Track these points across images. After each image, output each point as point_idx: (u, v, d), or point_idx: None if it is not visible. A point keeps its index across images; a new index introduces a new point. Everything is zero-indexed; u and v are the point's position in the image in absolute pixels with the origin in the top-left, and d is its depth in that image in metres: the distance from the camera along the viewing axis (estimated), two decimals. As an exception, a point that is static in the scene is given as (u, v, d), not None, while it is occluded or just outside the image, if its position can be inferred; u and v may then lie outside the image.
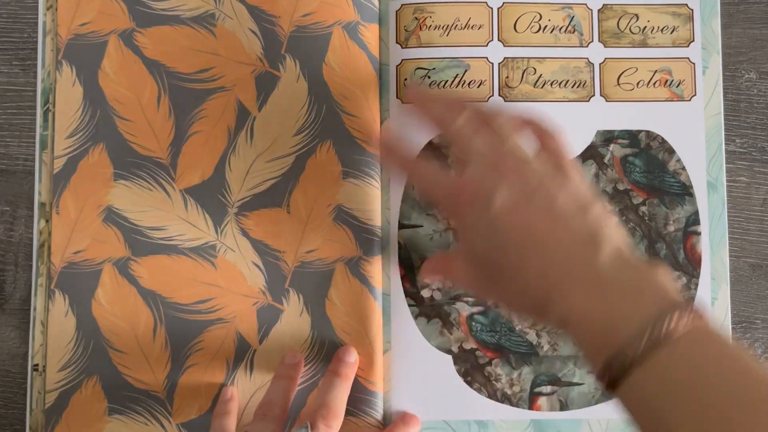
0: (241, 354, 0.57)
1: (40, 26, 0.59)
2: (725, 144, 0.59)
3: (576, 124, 0.59)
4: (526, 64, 0.60)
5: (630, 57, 0.60)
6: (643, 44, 0.60)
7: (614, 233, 0.44)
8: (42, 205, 0.58)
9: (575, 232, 0.43)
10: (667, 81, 0.60)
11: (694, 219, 0.59)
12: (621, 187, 0.59)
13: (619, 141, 0.59)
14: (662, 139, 0.59)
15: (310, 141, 0.57)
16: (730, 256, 0.59)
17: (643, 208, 0.59)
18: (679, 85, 0.60)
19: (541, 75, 0.60)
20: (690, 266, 0.59)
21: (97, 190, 0.57)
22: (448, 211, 0.48)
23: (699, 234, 0.59)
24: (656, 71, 0.60)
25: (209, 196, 0.58)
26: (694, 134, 0.59)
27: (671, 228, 0.59)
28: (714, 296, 0.58)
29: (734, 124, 0.60)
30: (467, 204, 0.46)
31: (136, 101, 0.58)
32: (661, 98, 0.60)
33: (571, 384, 0.58)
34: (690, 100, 0.59)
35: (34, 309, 0.57)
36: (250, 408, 0.56)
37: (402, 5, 0.59)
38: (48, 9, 0.58)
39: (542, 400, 0.58)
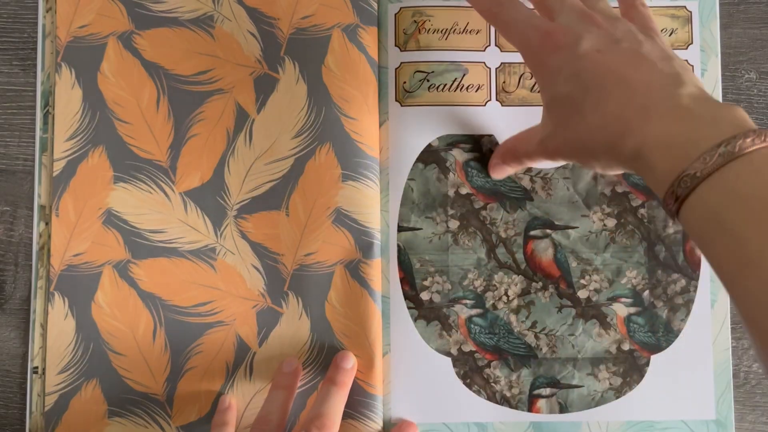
0: (241, 357, 0.56)
1: (40, 29, 0.58)
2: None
3: None
4: (523, 69, 0.59)
5: None
6: None
7: (696, 79, 0.44)
8: (42, 207, 0.57)
9: (659, 72, 0.44)
10: None
11: None
12: (620, 189, 0.59)
13: None
14: None
15: (309, 143, 0.57)
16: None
17: (642, 211, 0.58)
18: None
19: None
20: (689, 268, 0.58)
21: (97, 193, 0.57)
22: (533, 56, 0.48)
23: None
24: None
25: (208, 198, 0.57)
26: None
27: (670, 230, 0.58)
28: (713, 298, 0.58)
29: (734, 124, 0.59)
30: (554, 47, 0.46)
31: (135, 104, 0.57)
32: None
33: (570, 386, 0.57)
34: None
35: (34, 311, 0.57)
36: (250, 411, 0.56)
37: (401, 8, 0.59)
38: (47, 11, 0.58)
39: (541, 403, 0.57)
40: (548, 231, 0.59)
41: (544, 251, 0.58)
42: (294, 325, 0.57)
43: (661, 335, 0.58)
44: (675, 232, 0.58)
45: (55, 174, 0.57)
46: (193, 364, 0.56)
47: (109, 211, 0.57)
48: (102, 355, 0.56)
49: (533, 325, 0.58)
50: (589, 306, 0.58)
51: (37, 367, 0.56)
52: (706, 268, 0.58)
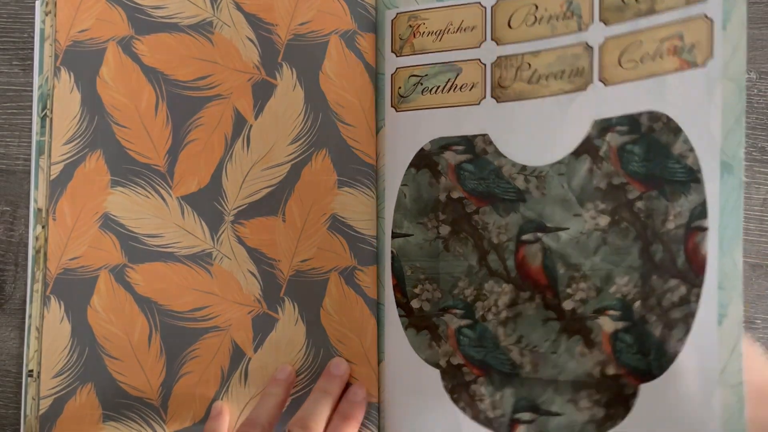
0: (236, 362, 0.54)
1: (37, 32, 0.56)
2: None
3: (571, 118, 0.50)
4: (520, 60, 0.52)
5: (634, 30, 0.48)
6: (651, 11, 0.48)
7: None
8: (38, 211, 0.55)
9: None
10: (676, 48, 0.47)
11: (700, 211, 0.45)
12: (616, 181, 0.49)
13: (617, 129, 0.49)
14: (667, 118, 0.47)
15: (306, 149, 0.55)
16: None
17: (639, 204, 0.48)
18: (691, 50, 0.47)
19: (536, 70, 0.51)
20: (691, 272, 0.45)
21: (94, 197, 0.55)
22: None
23: (705, 230, 0.45)
24: (665, 39, 0.47)
25: (206, 203, 0.55)
26: (708, 104, 0.46)
27: (671, 225, 0.46)
28: (722, 312, 0.44)
29: (734, 123, 0.57)
30: None
31: (133, 108, 0.55)
32: (670, 69, 0.47)
33: (549, 413, 0.49)
34: (704, 65, 0.46)
35: (29, 316, 0.55)
36: (244, 417, 0.54)
37: (397, 14, 0.56)
38: (47, 15, 0.56)
39: (521, 429, 0.50)
40: (539, 234, 0.51)
41: (534, 257, 0.51)
42: (289, 332, 0.54)
43: (653, 358, 0.46)
44: (676, 226, 0.46)
45: (52, 178, 0.55)
46: (188, 369, 0.54)
47: (106, 215, 0.55)
48: (97, 360, 0.54)
49: (519, 339, 0.50)
50: (573, 319, 0.49)
51: (32, 371, 0.54)
52: (713, 271, 0.44)
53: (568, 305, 0.49)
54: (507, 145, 0.52)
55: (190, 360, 0.54)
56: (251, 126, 0.55)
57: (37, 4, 0.57)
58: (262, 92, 0.55)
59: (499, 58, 0.53)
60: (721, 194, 0.45)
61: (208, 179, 0.55)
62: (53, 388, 0.54)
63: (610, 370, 0.47)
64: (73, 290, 0.54)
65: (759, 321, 0.56)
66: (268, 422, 0.50)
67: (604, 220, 0.49)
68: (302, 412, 0.50)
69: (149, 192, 0.55)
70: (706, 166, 0.46)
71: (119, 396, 0.54)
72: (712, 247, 0.45)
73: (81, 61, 0.56)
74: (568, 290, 0.49)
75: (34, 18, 0.57)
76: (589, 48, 0.50)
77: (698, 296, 0.45)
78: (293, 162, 0.55)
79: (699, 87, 0.46)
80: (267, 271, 0.55)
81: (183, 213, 0.55)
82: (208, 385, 0.54)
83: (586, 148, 0.50)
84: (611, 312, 0.48)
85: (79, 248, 0.55)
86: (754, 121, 0.57)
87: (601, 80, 0.50)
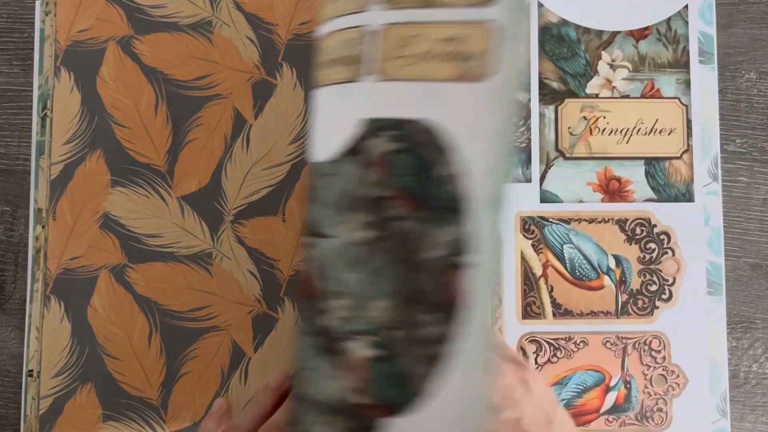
0: (236, 362, 0.54)
1: (37, 32, 0.56)
2: (725, 144, 0.56)
3: (341, 111, 0.42)
4: (320, 44, 0.44)
5: (415, 21, 0.40)
6: (429, 2, 0.40)
7: None
8: (38, 211, 0.55)
9: None
10: (453, 54, 0.40)
11: (459, 245, 0.38)
12: (379, 193, 0.40)
13: (386, 133, 0.40)
14: (435, 132, 0.39)
15: (306, 149, 0.55)
16: (730, 256, 0.56)
17: (399, 224, 0.40)
18: (469, 59, 0.39)
19: (327, 53, 0.44)
20: (448, 310, 0.38)
21: (94, 197, 0.55)
22: None
23: (464, 267, 0.38)
24: (444, 40, 0.40)
25: (206, 203, 0.55)
26: (480, 127, 0.39)
27: (429, 254, 0.39)
28: (477, 356, 0.37)
29: (734, 124, 0.57)
30: None
31: (133, 108, 0.55)
32: (444, 77, 0.39)
33: None
34: (481, 80, 0.39)
35: (29, 316, 0.55)
36: (243, 417, 0.54)
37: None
38: (46, 15, 0.56)
39: None
40: (311, 239, 0.43)
41: (306, 263, 0.43)
42: (289, 332, 0.54)
43: (399, 394, 0.39)
44: (440, 257, 0.39)
45: (52, 177, 0.55)
46: (188, 369, 0.54)
47: (106, 215, 0.55)
48: (97, 359, 0.54)
49: (296, 351, 0.44)
50: (329, 337, 0.41)
51: (32, 371, 0.54)
52: (470, 314, 0.38)
53: (323, 321, 0.42)
54: (312, 137, 0.44)
55: (190, 360, 0.54)
56: (251, 126, 0.55)
57: (37, 4, 0.57)
58: (262, 92, 0.55)
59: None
60: (483, 231, 0.39)
61: (208, 179, 0.55)
62: (53, 387, 0.54)
63: (358, 399, 0.40)
64: (73, 290, 0.54)
65: (759, 321, 0.56)
66: (248, 431, 0.49)
67: (365, 235, 0.41)
68: (279, 415, 0.49)
69: (149, 192, 0.55)
70: (470, 196, 0.39)
71: (119, 396, 0.54)
72: (472, 286, 0.38)
73: (81, 61, 0.55)
74: (325, 305, 0.42)
75: (34, 18, 0.57)
76: (366, 33, 0.42)
77: (454, 337, 0.38)
78: (293, 162, 0.55)
79: (473, 104, 0.39)
80: (267, 271, 0.55)
81: (183, 213, 0.55)
82: (208, 385, 0.54)
83: (353, 149, 0.42)
84: (365, 337, 0.40)
85: (79, 248, 0.54)
86: (754, 121, 0.57)
87: (378, 72, 0.41)
